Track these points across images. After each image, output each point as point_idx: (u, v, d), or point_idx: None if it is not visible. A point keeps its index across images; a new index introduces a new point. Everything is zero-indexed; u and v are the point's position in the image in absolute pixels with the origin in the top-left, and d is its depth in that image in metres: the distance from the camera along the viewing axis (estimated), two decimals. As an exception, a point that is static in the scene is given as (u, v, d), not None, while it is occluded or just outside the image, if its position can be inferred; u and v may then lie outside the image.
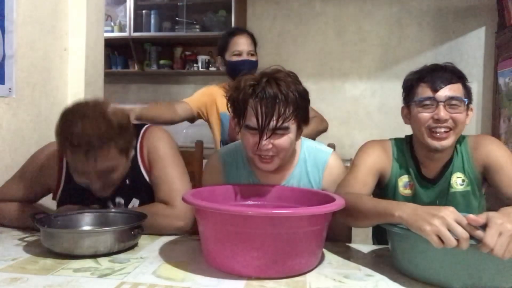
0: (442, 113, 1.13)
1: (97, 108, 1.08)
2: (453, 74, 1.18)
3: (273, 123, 1.07)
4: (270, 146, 1.10)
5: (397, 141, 1.31)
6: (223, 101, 1.27)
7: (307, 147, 1.27)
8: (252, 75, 1.13)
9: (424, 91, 1.17)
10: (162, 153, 1.25)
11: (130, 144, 1.17)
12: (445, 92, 1.15)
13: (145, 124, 1.32)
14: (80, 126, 1.04)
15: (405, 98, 1.26)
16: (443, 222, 0.79)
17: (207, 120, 2.06)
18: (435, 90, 1.15)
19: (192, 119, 2.03)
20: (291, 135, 1.12)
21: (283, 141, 1.11)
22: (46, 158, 1.27)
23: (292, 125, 1.11)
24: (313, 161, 1.26)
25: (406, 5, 3.49)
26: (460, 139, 1.24)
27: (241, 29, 2.05)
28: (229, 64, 1.95)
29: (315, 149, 1.28)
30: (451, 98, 1.14)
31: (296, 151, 1.25)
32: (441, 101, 1.14)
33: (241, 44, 1.93)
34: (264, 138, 1.09)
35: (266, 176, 1.24)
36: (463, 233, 0.78)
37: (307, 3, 3.63)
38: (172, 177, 1.23)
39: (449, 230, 0.79)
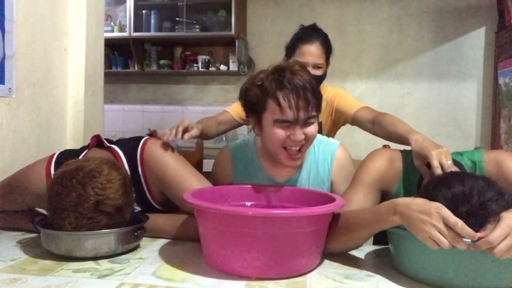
0: None
1: (90, 198, 0.96)
2: None
3: (307, 113, 1.09)
4: (303, 136, 1.12)
5: (410, 155, 1.12)
6: None
7: (315, 139, 1.27)
8: (264, 70, 1.14)
9: None
10: (172, 170, 1.16)
11: (129, 215, 1.06)
12: None
13: (138, 144, 1.20)
14: (75, 224, 0.96)
15: None
16: (434, 227, 0.79)
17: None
18: None
19: (236, 127, 1.87)
20: (317, 123, 1.15)
21: (313, 129, 1.13)
22: (36, 188, 1.18)
23: (316, 114, 1.14)
24: (322, 152, 1.27)
25: (406, 5, 3.49)
26: (475, 155, 1.07)
27: (314, 34, 1.76)
28: None
29: (323, 141, 1.30)
30: None
31: None
32: None
33: (308, 55, 1.71)
34: (298, 129, 1.10)
35: (275, 170, 1.25)
36: (453, 237, 0.78)
37: (307, 3, 3.63)
38: (193, 185, 1.15)
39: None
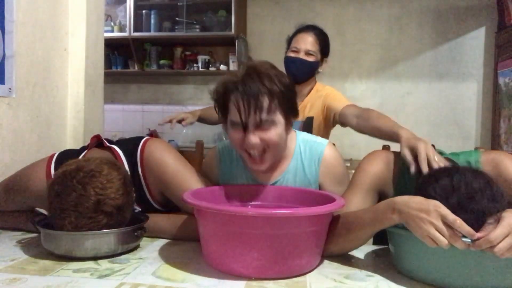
0: None
1: (90, 198, 0.96)
2: None
3: (257, 117, 1.04)
4: (258, 141, 1.06)
5: None
6: None
7: (302, 140, 1.23)
8: (236, 70, 1.15)
9: None
10: (172, 170, 1.16)
11: (129, 215, 1.06)
12: None
13: (138, 144, 1.20)
14: (75, 224, 0.96)
15: None
16: (432, 225, 0.79)
17: None
18: None
19: None
20: (279, 128, 1.08)
21: (271, 134, 1.07)
22: (36, 189, 1.18)
23: (279, 118, 1.08)
24: (308, 153, 1.22)
25: (406, 5, 3.50)
26: (472, 156, 1.07)
27: (311, 27, 1.90)
28: (284, 60, 1.87)
29: (311, 141, 1.24)
30: None
31: (290, 144, 1.21)
32: None
33: (301, 41, 1.83)
34: (249, 133, 1.06)
35: (259, 173, 1.21)
36: (451, 235, 0.78)
37: (307, 3, 3.63)
38: (193, 185, 1.15)
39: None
